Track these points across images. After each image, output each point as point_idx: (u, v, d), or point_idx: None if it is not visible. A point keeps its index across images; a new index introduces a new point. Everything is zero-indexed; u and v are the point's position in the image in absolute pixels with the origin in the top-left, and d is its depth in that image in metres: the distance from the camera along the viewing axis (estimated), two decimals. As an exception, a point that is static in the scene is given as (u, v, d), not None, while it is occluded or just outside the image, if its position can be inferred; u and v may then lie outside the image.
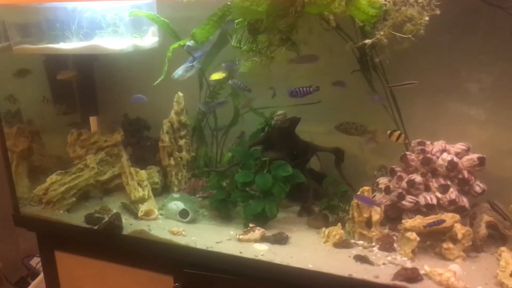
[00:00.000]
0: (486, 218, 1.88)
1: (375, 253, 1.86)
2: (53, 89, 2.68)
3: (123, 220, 2.11)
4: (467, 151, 1.97)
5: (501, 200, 1.94)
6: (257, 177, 2.09)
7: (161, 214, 2.22)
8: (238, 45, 2.02)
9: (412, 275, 1.67)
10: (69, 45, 2.20)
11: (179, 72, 2.11)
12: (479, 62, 2.04)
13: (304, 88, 2.01)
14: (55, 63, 2.58)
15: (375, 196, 2.07)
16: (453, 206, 1.90)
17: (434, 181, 1.96)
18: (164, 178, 2.44)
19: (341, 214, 2.08)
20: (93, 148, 2.44)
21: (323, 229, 1.98)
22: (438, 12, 1.62)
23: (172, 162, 2.40)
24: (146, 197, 2.26)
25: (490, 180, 1.96)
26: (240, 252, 1.88)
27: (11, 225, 2.33)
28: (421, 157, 1.98)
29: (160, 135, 2.39)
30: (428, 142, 2.03)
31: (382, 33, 1.69)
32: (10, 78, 2.53)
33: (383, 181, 2.10)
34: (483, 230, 1.84)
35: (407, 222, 1.85)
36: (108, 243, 2.13)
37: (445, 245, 1.81)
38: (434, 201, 1.92)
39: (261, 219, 2.05)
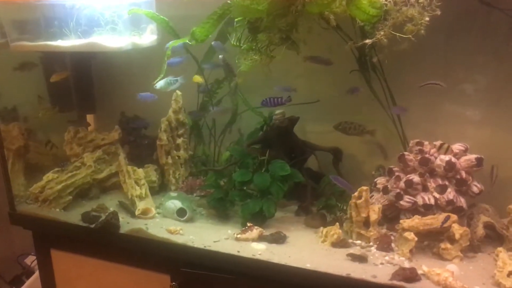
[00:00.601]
0: (483, 218, 1.88)
1: (373, 253, 1.86)
2: (50, 87, 2.67)
3: (120, 219, 2.11)
4: (465, 151, 1.98)
5: (498, 201, 1.95)
6: (255, 176, 2.09)
7: (158, 213, 2.21)
8: (237, 43, 2.02)
9: (410, 275, 1.67)
10: (67, 43, 2.18)
11: (161, 83, 2.12)
12: (477, 62, 2.05)
13: (276, 99, 2.02)
14: (53, 61, 2.57)
15: (373, 196, 2.07)
16: (451, 206, 1.91)
17: (432, 181, 1.97)
18: (162, 177, 2.43)
19: (339, 213, 2.09)
20: (90, 146, 2.43)
21: (321, 228, 1.98)
22: (438, 12, 1.63)
23: (170, 160, 2.39)
24: (144, 195, 2.25)
25: (488, 181, 1.97)
26: (238, 251, 1.88)
27: (7, 223, 2.31)
28: (419, 157, 1.99)
29: (158, 134, 2.38)
30: (426, 142, 2.03)
31: (382, 33, 1.69)
32: (8, 74, 2.51)
33: (381, 181, 2.10)
34: (480, 230, 1.85)
35: (405, 222, 1.85)
36: (104, 241, 2.12)
37: (442, 245, 1.81)
38: (432, 201, 1.93)
39: (259, 218, 2.04)
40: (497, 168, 1.98)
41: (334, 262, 1.79)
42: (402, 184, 1.98)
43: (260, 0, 1.78)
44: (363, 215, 1.91)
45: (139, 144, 2.54)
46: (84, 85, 2.62)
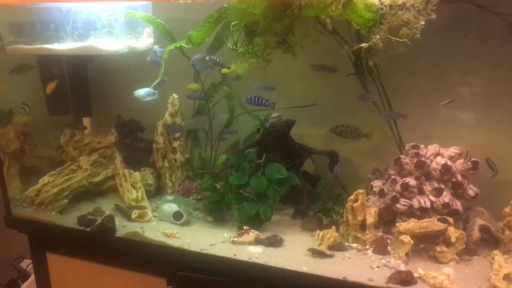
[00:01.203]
0: (479, 221, 1.89)
1: (369, 256, 1.86)
2: (46, 90, 2.66)
3: (116, 222, 2.10)
4: (461, 154, 1.98)
5: (494, 203, 1.96)
6: (251, 179, 2.09)
7: (154, 216, 2.21)
8: (234, 47, 2.02)
9: (406, 278, 1.67)
10: (63, 46, 2.18)
11: (140, 92, 2.12)
12: (473, 66, 2.06)
13: (261, 99, 2.03)
14: (49, 64, 2.56)
15: (369, 199, 2.08)
16: (447, 210, 1.92)
17: (427, 185, 1.97)
18: (158, 180, 2.43)
19: (335, 217, 2.09)
20: (87, 149, 2.43)
21: (317, 231, 1.99)
22: (434, 16, 1.63)
23: (166, 164, 2.39)
24: (140, 199, 2.25)
25: (483, 184, 1.98)
26: (234, 255, 1.88)
27: (2, 227, 2.31)
28: (415, 161, 1.99)
29: (154, 137, 2.38)
30: (422, 146, 2.04)
31: (378, 37, 1.70)
32: (4, 77, 2.50)
33: (377, 184, 2.10)
34: (476, 234, 1.86)
35: (401, 225, 1.86)
36: (101, 245, 2.12)
37: (438, 248, 1.82)
38: (428, 205, 1.93)
39: (255, 221, 2.04)
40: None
41: (330, 265, 1.79)
42: (398, 187, 1.98)
43: (257, 3, 1.79)
44: (360, 218, 1.92)
45: (136, 147, 2.53)
46: (80, 88, 2.62)
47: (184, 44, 2.07)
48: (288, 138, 2.27)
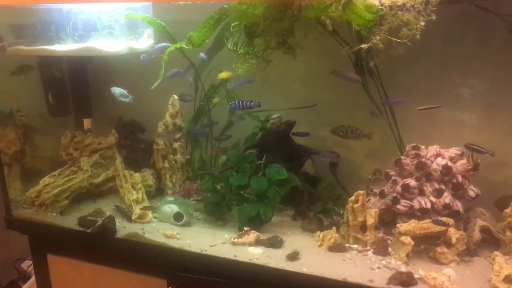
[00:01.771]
0: (480, 222, 1.88)
1: (370, 257, 1.86)
2: (47, 91, 2.66)
3: (117, 223, 2.10)
4: (461, 155, 1.98)
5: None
6: (252, 180, 2.09)
7: (155, 217, 2.20)
8: (234, 48, 2.02)
9: (407, 279, 1.67)
10: (64, 47, 2.18)
11: (116, 91, 2.15)
12: (473, 67, 2.06)
13: (246, 102, 2.02)
14: (50, 65, 2.57)
15: (369, 200, 2.07)
16: (447, 211, 1.91)
17: (428, 185, 1.97)
18: (158, 181, 2.43)
19: (336, 217, 2.08)
20: (87, 150, 2.43)
21: (318, 232, 1.99)
22: (434, 17, 1.63)
23: (167, 165, 2.39)
24: (140, 200, 2.25)
25: (484, 185, 1.98)
26: (235, 256, 1.88)
27: (3, 228, 2.31)
28: (415, 162, 1.99)
29: (154, 138, 2.38)
30: (422, 147, 2.03)
31: (378, 37, 1.70)
32: (5, 79, 2.50)
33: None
34: (477, 235, 1.85)
35: (402, 226, 1.85)
36: (101, 246, 2.12)
37: (439, 249, 1.81)
38: (429, 205, 1.93)
39: (256, 222, 2.04)
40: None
41: (331, 267, 1.79)
42: (398, 188, 1.98)
43: (257, 4, 1.79)
44: (360, 219, 1.91)
45: (136, 148, 2.53)
46: (80, 89, 2.62)
47: (184, 45, 2.07)
48: (288, 139, 2.27)
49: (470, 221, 1.92)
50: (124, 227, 2.12)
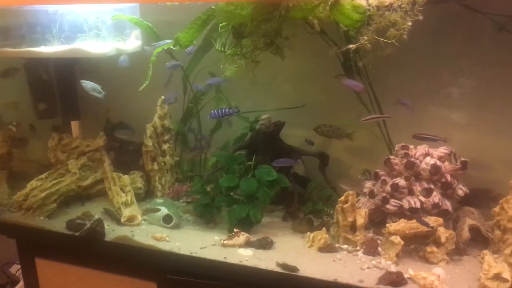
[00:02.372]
0: (469, 221, 1.89)
1: (360, 257, 1.86)
2: (33, 93, 2.64)
3: (106, 226, 2.09)
4: (450, 155, 1.99)
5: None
6: (241, 181, 2.08)
7: (144, 220, 2.19)
8: (222, 49, 2.01)
9: (397, 279, 1.67)
10: (50, 49, 2.16)
11: (88, 85, 2.13)
12: (461, 66, 2.07)
13: (224, 110, 2.04)
14: (37, 67, 2.54)
15: (359, 200, 2.07)
16: (437, 210, 1.92)
17: (417, 185, 1.97)
18: (148, 183, 2.41)
19: (326, 218, 2.08)
20: (75, 153, 2.41)
21: (308, 233, 1.98)
22: (421, 17, 1.64)
23: (156, 167, 2.37)
24: (129, 202, 2.23)
25: (473, 184, 1.99)
26: (225, 258, 1.87)
27: (-10, 232, 2.28)
28: (404, 161, 1.99)
29: (143, 140, 2.37)
30: (411, 146, 2.04)
31: (366, 37, 1.70)
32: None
33: (367, 185, 2.10)
34: (466, 234, 1.86)
35: (391, 226, 1.86)
36: (90, 249, 2.10)
37: (428, 249, 1.82)
38: (418, 205, 1.93)
39: (246, 224, 2.03)
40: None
41: (321, 267, 1.79)
42: (388, 188, 1.98)
43: (244, 5, 1.78)
44: (350, 219, 1.91)
45: (125, 150, 2.52)
46: (68, 91, 2.59)
47: (172, 46, 2.06)
48: (278, 140, 2.27)
49: (459, 220, 1.93)
50: (113, 230, 2.10)
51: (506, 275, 1.61)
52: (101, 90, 2.11)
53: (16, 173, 2.54)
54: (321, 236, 1.92)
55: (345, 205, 1.90)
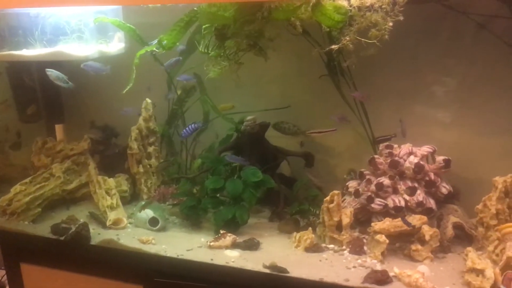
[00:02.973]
0: (452, 219, 1.91)
1: (346, 257, 1.87)
2: (16, 97, 2.61)
3: (91, 230, 2.07)
4: (433, 153, 2.00)
5: (466, 200, 1.98)
6: (227, 183, 2.08)
7: (130, 223, 2.18)
8: (205, 50, 2.01)
9: (382, 278, 1.68)
10: (32, 52, 2.14)
11: (53, 74, 2.08)
12: (443, 66, 2.09)
13: (191, 126, 2.08)
14: (19, 70, 2.52)
15: (345, 199, 2.09)
16: (421, 208, 1.93)
17: (402, 184, 1.99)
18: (133, 186, 2.40)
19: (312, 218, 2.09)
20: (59, 156, 2.39)
21: (294, 233, 1.99)
22: (401, 18, 1.65)
23: (141, 169, 2.36)
24: (115, 205, 2.22)
25: (456, 182, 2.01)
26: (211, 259, 1.87)
27: (-26, 238, 2.25)
28: (389, 160, 2.01)
29: (128, 142, 2.35)
30: (395, 146, 2.05)
31: (348, 38, 1.71)
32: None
33: (352, 184, 2.11)
34: (449, 231, 1.88)
35: (376, 225, 1.87)
36: (75, 254, 2.08)
37: (413, 247, 1.83)
38: (402, 204, 1.95)
39: (232, 225, 2.03)
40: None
41: (307, 267, 1.79)
42: (373, 187, 1.99)
43: (227, 6, 1.78)
44: (336, 219, 1.92)
45: (110, 153, 2.50)
46: (51, 95, 2.57)
47: (155, 49, 2.05)
48: (263, 140, 2.27)
49: (443, 218, 1.95)
50: (99, 234, 2.09)
51: (489, 271, 1.62)
52: (67, 80, 2.07)
53: (0, 177, 2.51)
54: (307, 236, 1.92)
55: (331, 205, 1.91)
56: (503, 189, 1.81)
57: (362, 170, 2.09)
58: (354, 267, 1.79)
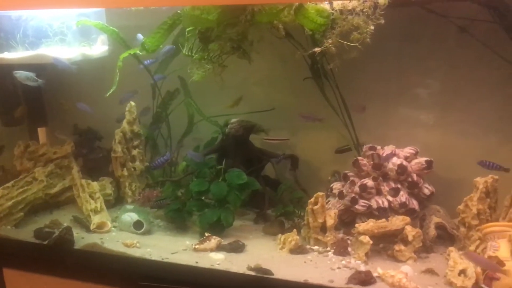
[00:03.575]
0: (435, 219, 1.93)
1: (330, 258, 1.88)
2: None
3: (75, 234, 2.05)
4: (416, 154, 2.03)
5: (448, 202, 2.01)
6: (212, 185, 2.08)
7: (114, 227, 2.17)
8: (189, 53, 2.01)
9: (366, 278, 1.69)
10: (14, 55, 2.12)
11: (21, 75, 2.09)
12: (426, 68, 2.11)
13: (161, 159, 2.17)
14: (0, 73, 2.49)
15: (329, 201, 2.10)
16: (404, 209, 1.96)
17: (385, 185, 2.01)
18: (118, 189, 2.39)
19: (297, 220, 2.10)
20: (42, 160, 2.37)
21: (279, 235, 1.99)
22: (382, 21, 1.67)
23: (125, 172, 2.35)
24: (99, 209, 2.20)
25: (438, 183, 2.03)
26: (196, 262, 1.86)
27: (-45, 243, 2.22)
28: (372, 162, 2.02)
29: (112, 145, 2.34)
30: (378, 147, 2.07)
31: (330, 41, 1.72)
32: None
33: (336, 186, 2.13)
34: (432, 231, 1.90)
35: (360, 226, 1.88)
36: (59, 258, 2.05)
37: (396, 247, 1.85)
38: (386, 205, 1.97)
39: (217, 228, 2.03)
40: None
41: (292, 269, 1.80)
42: (356, 188, 2.01)
43: (211, 10, 1.79)
44: (320, 220, 1.93)
45: (94, 156, 2.48)
46: (34, 98, 2.54)
47: (138, 51, 2.05)
48: (248, 143, 2.28)
49: (426, 219, 1.97)
50: (82, 238, 2.07)
51: (471, 271, 1.65)
52: (36, 79, 2.06)
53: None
54: (292, 238, 1.93)
55: (315, 207, 1.92)
56: (484, 190, 1.84)
57: (346, 171, 2.11)
58: (339, 268, 1.80)
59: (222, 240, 1.97)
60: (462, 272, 1.67)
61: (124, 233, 2.12)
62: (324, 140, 2.27)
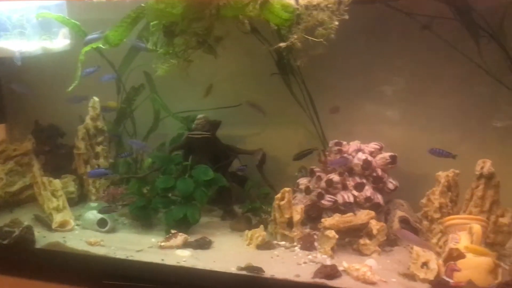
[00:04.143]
0: (399, 213, 1.97)
1: (297, 253, 1.89)
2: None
3: (36, 233, 2.00)
4: (380, 150, 2.06)
5: (411, 196, 2.05)
6: (178, 182, 2.06)
7: (77, 225, 2.12)
8: (154, 47, 1.98)
9: (331, 272, 1.70)
10: (-31, 48, 2.05)
11: None
12: (390, 65, 2.14)
13: (100, 170, 2.21)
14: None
15: (296, 196, 2.10)
16: (369, 203, 1.98)
17: (350, 180, 2.03)
18: (81, 187, 2.34)
19: (264, 216, 2.09)
20: (1, 157, 2.30)
21: (246, 231, 1.99)
22: (346, 17, 1.68)
23: (89, 169, 2.30)
24: (61, 207, 2.15)
25: (402, 177, 2.07)
26: (162, 260, 1.84)
27: None
28: (338, 157, 2.04)
29: (75, 142, 2.29)
30: (344, 142, 2.09)
31: (295, 36, 1.72)
32: None
33: (303, 181, 2.14)
34: (396, 225, 1.93)
35: (326, 221, 1.90)
36: (20, 258, 2.00)
37: (362, 241, 1.87)
38: (351, 199, 1.99)
39: (183, 224, 2.01)
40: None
41: (259, 264, 1.79)
42: (323, 183, 2.02)
43: (175, 3, 1.76)
44: (287, 216, 1.94)
45: (56, 153, 2.42)
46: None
47: (101, 45, 2.00)
48: (214, 139, 2.26)
49: (390, 213, 2.00)
50: (44, 237, 2.02)
51: (433, 263, 1.68)
52: None
53: None
54: (259, 233, 1.93)
55: (282, 202, 1.93)
56: (445, 184, 1.88)
57: (313, 167, 2.12)
58: (305, 262, 1.81)
59: (189, 237, 1.96)
60: (425, 264, 1.70)
61: (87, 231, 2.08)
62: (291, 136, 2.27)
